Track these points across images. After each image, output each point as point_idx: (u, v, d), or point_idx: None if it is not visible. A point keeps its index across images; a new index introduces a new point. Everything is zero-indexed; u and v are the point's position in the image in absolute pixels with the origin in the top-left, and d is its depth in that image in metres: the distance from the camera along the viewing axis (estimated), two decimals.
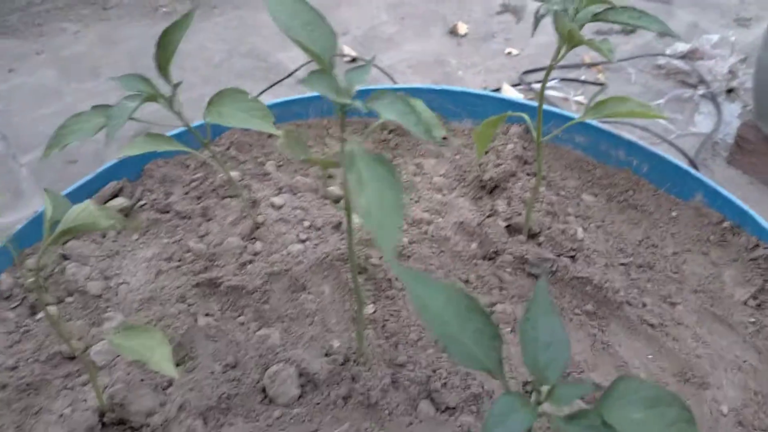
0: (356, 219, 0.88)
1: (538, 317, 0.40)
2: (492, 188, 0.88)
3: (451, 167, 0.94)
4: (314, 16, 0.51)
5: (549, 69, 0.66)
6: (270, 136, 1.01)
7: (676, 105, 2.22)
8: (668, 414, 0.38)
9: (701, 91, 2.28)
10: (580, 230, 0.81)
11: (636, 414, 0.38)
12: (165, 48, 0.67)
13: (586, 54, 2.39)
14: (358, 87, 0.52)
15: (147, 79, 0.69)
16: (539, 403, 0.38)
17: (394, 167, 0.47)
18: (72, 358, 0.74)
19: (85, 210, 0.52)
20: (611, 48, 0.60)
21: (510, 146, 0.90)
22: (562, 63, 2.36)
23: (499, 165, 0.88)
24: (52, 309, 0.77)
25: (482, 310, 0.41)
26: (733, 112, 2.19)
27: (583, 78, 2.31)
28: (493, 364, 0.39)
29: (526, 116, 0.75)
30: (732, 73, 2.26)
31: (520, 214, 0.83)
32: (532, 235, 0.82)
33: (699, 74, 2.34)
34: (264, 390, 0.69)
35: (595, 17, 0.63)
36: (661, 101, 2.25)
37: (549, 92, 2.28)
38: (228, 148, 0.97)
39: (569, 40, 0.62)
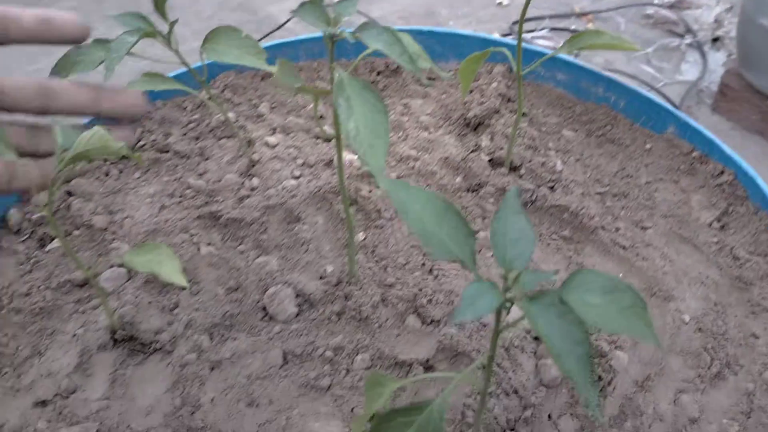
0: (348, 155, 0.92)
1: (508, 216, 0.45)
2: (476, 125, 0.93)
3: (437, 106, 0.98)
4: None
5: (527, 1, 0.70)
6: (263, 78, 1.04)
7: (663, 54, 2.25)
8: (623, 300, 0.43)
9: (688, 40, 2.32)
10: (559, 163, 0.86)
11: (593, 299, 0.43)
12: None
13: (576, 4, 2.41)
14: (347, 17, 0.56)
15: (145, 16, 0.72)
16: (507, 290, 0.43)
17: (379, 94, 0.52)
18: (82, 285, 0.79)
19: (96, 134, 0.56)
20: None
21: (494, 85, 0.94)
22: (552, 12, 2.38)
23: (482, 103, 0.93)
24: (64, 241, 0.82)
25: (457, 212, 0.46)
26: (718, 60, 2.24)
27: (573, 28, 2.33)
28: (467, 256, 0.44)
29: (507, 51, 0.79)
30: (718, 22, 2.29)
31: (502, 149, 0.88)
32: (514, 168, 0.87)
33: (686, 23, 2.37)
34: (264, 309, 0.75)
35: None
36: (649, 50, 2.29)
37: (539, 41, 2.31)
38: (222, 91, 1.01)
39: None
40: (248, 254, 0.81)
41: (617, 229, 0.80)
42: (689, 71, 2.21)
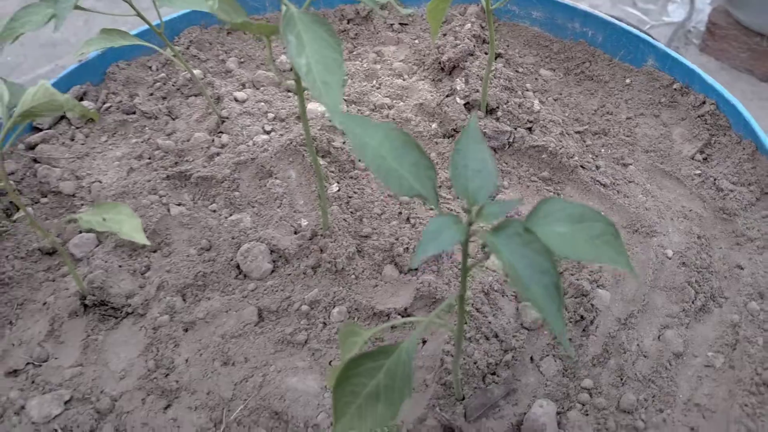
0: (320, 107, 0.89)
1: (469, 147, 0.43)
2: (451, 69, 0.90)
3: (411, 52, 0.95)
4: None
5: None
6: (230, 32, 1.01)
7: None
8: (594, 228, 0.41)
9: None
10: (536, 103, 0.83)
11: (561, 228, 0.41)
12: None
13: None
14: None
15: None
16: (471, 223, 0.41)
17: (332, 27, 0.49)
18: (51, 253, 0.76)
19: (41, 88, 0.53)
20: None
21: (467, 26, 0.91)
22: None
23: (456, 45, 0.89)
24: (28, 210, 0.79)
25: (417, 145, 0.43)
26: None
27: None
28: (428, 191, 0.42)
29: None
30: None
31: (477, 92, 0.85)
32: (490, 111, 0.84)
33: None
34: (238, 266, 0.73)
35: None
36: None
37: None
38: (188, 47, 0.97)
39: None
40: (220, 213, 0.78)
41: (598, 167, 0.78)
42: (676, 12, 2.16)
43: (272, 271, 0.72)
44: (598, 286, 0.67)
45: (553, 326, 0.37)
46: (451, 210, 0.76)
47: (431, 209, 0.77)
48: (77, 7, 0.66)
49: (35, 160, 0.84)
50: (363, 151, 0.43)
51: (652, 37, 0.85)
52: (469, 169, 0.43)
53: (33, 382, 0.64)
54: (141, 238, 0.57)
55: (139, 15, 0.73)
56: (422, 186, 0.42)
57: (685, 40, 2.06)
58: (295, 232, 0.75)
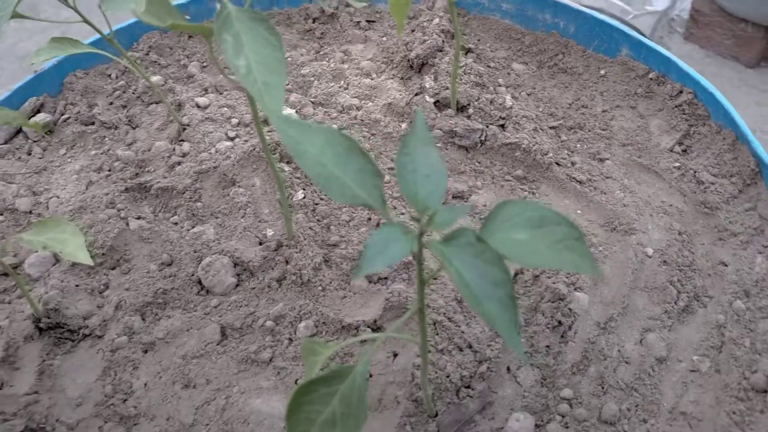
0: (286, 110, 0.86)
1: (417, 149, 0.40)
2: (420, 66, 0.86)
3: (379, 50, 0.91)
4: None
5: None
6: (191, 36, 0.97)
7: None
8: (556, 232, 0.38)
9: None
10: (509, 98, 0.80)
11: (520, 234, 0.38)
12: None
13: None
14: None
15: None
16: (422, 233, 0.38)
17: (272, 25, 0.45)
18: (6, 274, 0.73)
19: None
20: None
21: (435, 21, 0.88)
22: None
23: (424, 41, 0.86)
24: None
25: (362, 151, 0.40)
26: None
27: None
28: (375, 199, 0.39)
29: None
30: None
31: (447, 89, 0.81)
32: (461, 108, 0.81)
33: None
34: (200, 282, 0.69)
35: None
36: None
37: None
38: (147, 53, 0.94)
39: None
40: (182, 225, 0.75)
41: (573, 164, 0.75)
42: (659, 1, 2.13)
43: (236, 285, 0.69)
44: (575, 289, 0.64)
45: (508, 342, 0.34)
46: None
47: (402, 215, 0.73)
48: (18, 15, 0.63)
49: None
50: (302, 157, 0.39)
51: (627, 24, 0.82)
52: (418, 174, 0.39)
53: None
54: (85, 258, 0.54)
55: (86, 21, 0.70)
56: (368, 194, 0.39)
57: (668, 29, 2.03)
58: (260, 243, 0.72)
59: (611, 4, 2.14)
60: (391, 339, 0.60)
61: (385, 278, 0.66)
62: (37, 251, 0.73)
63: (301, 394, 0.41)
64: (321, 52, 0.94)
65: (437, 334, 0.60)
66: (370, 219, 0.73)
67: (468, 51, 0.88)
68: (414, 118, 0.40)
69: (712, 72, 1.96)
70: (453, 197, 0.74)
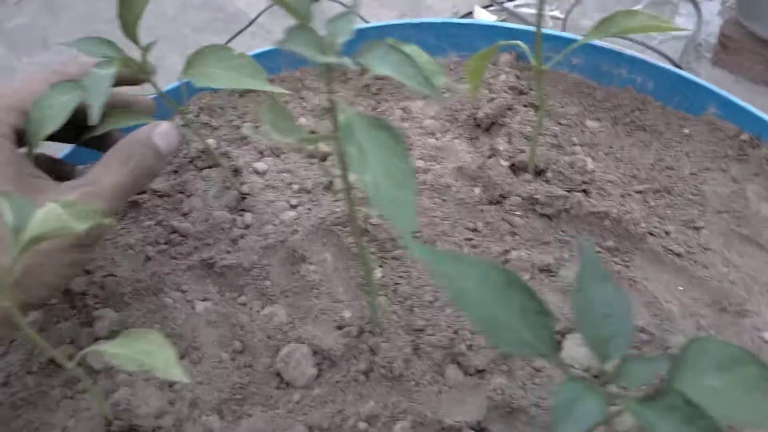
0: (352, 176, 0.82)
1: (590, 286, 0.35)
2: (488, 126, 0.82)
3: (441, 108, 0.87)
4: None
5: None
6: (242, 95, 0.93)
7: (654, 8, 2.14)
8: (746, 375, 0.34)
9: None
10: (589, 161, 0.76)
11: (712, 381, 0.34)
12: (130, 4, 0.58)
13: None
14: (343, 40, 0.45)
15: (110, 41, 0.61)
16: (605, 384, 0.33)
17: (397, 132, 0.41)
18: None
19: (51, 213, 0.45)
20: None
21: (502, 77, 0.84)
22: None
23: (492, 99, 0.82)
24: (35, 314, 0.71)
25: (524, 286, 0.35)
26: (712, 10, 2.13)
27: None
28: (547, 345, 0.34)
29: (521, 43, 0.68)
30: None
31: (523, 151, 0.77)
32: (539, 172, 0.77)
33: None
34: (279, 374, 0.65)
35: None
36: (638, 6, 2.17)
37: (522, 9, 2.19)
38: (198, 115, 0.89)
39: None
40: (251, 305, 0.71)
41: (667, 233, 0.70)
42: (684, 25, 2.10)
43: (318, 376, 0.64)
44: None
45: None
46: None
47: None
48: None
49: None
50: (460, 298, 0.35)
51: (653, 50, 0.78)
52: (595, 314, 0.35)
53: None
54: (179, 375, 0.49)
55: (160, 93, 0.66)
56: (537, 338, 0.35)
57: (696, 54, 2.00)
58: (339, 327, 0.67)
59: None
60: None
61: (482, 370, 0.62)
62: (97, 339, 0.69)
63: None
64: (378, 110, 0.90)
65: None
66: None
67: (536, 108, 0.84)
68: (580, 250, 0.36)
69: (742, 98, 1.93)
70: (540, 271, 0.70)
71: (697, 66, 1.94)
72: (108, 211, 0.59)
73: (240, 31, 1.57)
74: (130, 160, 0.61)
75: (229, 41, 1.52)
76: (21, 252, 0.47)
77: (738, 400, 0.33)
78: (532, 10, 2.11)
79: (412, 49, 0.52)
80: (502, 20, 2.09)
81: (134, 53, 0.63)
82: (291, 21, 0.43)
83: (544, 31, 0.81)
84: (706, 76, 1.98)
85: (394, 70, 0.43)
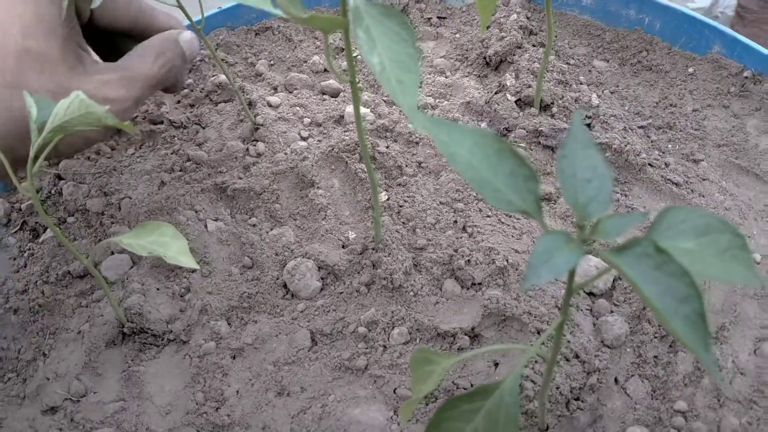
0: (362, 108, 0.84)
1: (576, 152, 0.37)
2: (497, 63, 0.84)
3: (452, 47, 0.89)
4: None
5: None
6: (257, 33, 0.95)
7: None
8: (720, 241, 0.36)
9: None
10: (594, 97, 0.78)
11: (687, 243, 0.36)
12: None
13: None
14: None
15: None
16: (585, 240, 0.35)
17: (404, 19, 0.43)
18: (82, 276, 0.71)
19: (75, 100, 0.48)
20: None
21: (513, 17, 0.85)
22: None
23: (503, 38, 0.83)
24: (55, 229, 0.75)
25: (513, 151, 0.38)
26: None
27: None
28: (529, 204, 0.36)
29: None
30: None
31: (529, 86, 0.79)
32: (545, 107, 0.78)
33: None
34: (285, 285, 0.67)
35: None
36: None
37: None
38: (215, 51, 0.92)
39: None
40: (261, 227, 0.73)
41: (667, 165, 0.72)
42: None
43: (321, 289, 0.67)
44: None
45: (704, 364, 0.31)
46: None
47: (488, 217, 0.71)
48: None
49: (59, 177, 0.79)
50: (454, 161, 0.37)
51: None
52: (578, 178, 0.37)
53: (72, 420, 0.59)
54: (189, 262, 0.52)
55: (188, 17, 0.68)
56: (522, 199, 0.37)
57: None
58: (344, 246, 0.70)
59: None
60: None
61: (479, 283, 0.64)
62: (113, 253, 0.72)
63: (444, 410, 0.39)
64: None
65: (543, 343, 0.58)
66: (455, 222, 0.70)
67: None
68: (573, 121, 0.38)
69: None
70: (541, 199, 0.71)
71: None
72: (138, 98, 0.62)
73: None
74: (163, 55, 0.64)
75: None
76: (44, 142, 0.49)
77: (710, 260, 0.35)
78: None
79: None
80: None
81: None
82: None
83: None
84: None
85: None
